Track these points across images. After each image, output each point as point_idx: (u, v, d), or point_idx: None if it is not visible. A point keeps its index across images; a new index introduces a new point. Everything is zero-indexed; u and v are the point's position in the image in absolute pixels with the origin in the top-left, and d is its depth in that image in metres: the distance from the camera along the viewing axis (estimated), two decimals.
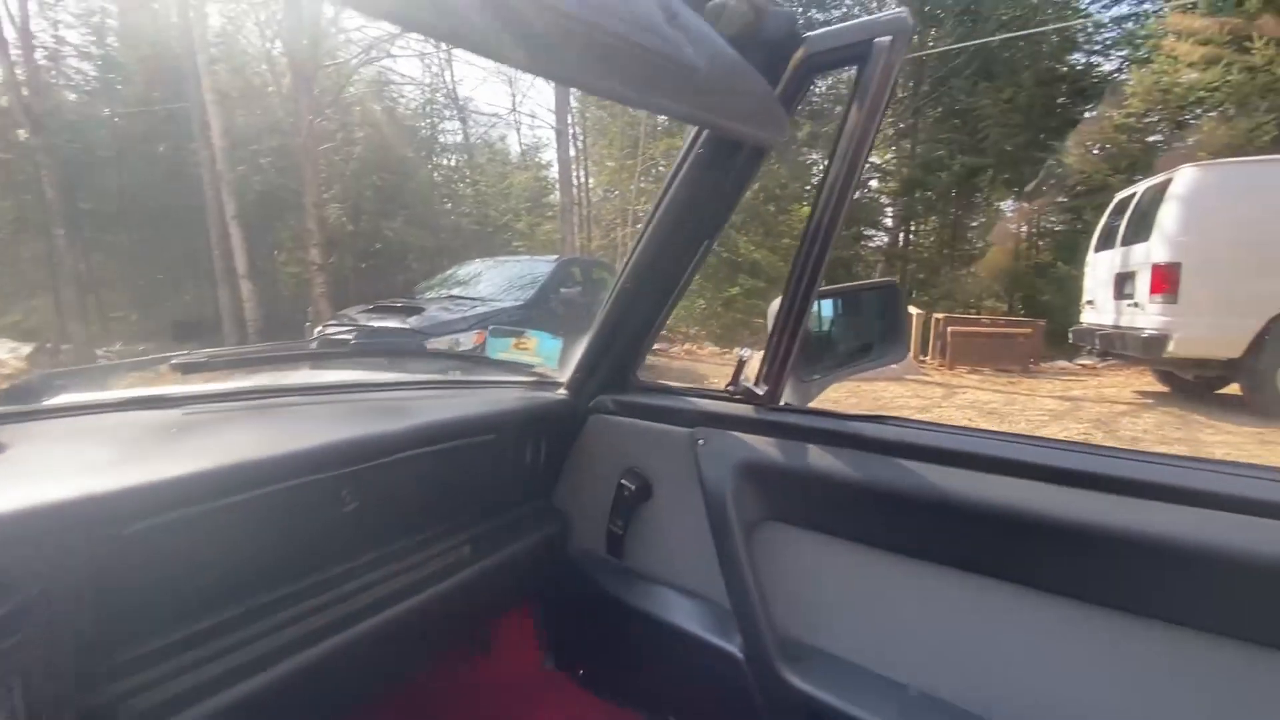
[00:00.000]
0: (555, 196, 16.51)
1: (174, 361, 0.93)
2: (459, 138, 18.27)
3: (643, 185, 14.55)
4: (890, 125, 14.90)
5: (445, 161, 17.87)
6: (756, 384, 0.99)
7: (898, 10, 0.73)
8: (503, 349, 1.10)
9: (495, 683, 1.36)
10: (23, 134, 10.84)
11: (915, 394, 7.02)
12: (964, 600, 0.80)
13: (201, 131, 10.18)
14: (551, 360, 1.23)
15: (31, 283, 12.46)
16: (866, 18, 0.76)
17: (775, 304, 0.96)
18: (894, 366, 7.93)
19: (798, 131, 12.71)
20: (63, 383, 0.96)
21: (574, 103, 14.64)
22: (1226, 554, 0.60)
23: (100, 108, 12.91)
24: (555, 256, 8.71)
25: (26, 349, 9.43)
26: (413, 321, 6.02)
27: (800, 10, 15.33)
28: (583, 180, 16.52)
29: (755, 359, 1.01)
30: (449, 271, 8.35)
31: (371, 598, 0.91)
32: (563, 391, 1.22)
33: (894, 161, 15.16)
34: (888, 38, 0.74)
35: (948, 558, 0.81)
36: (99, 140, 12.15)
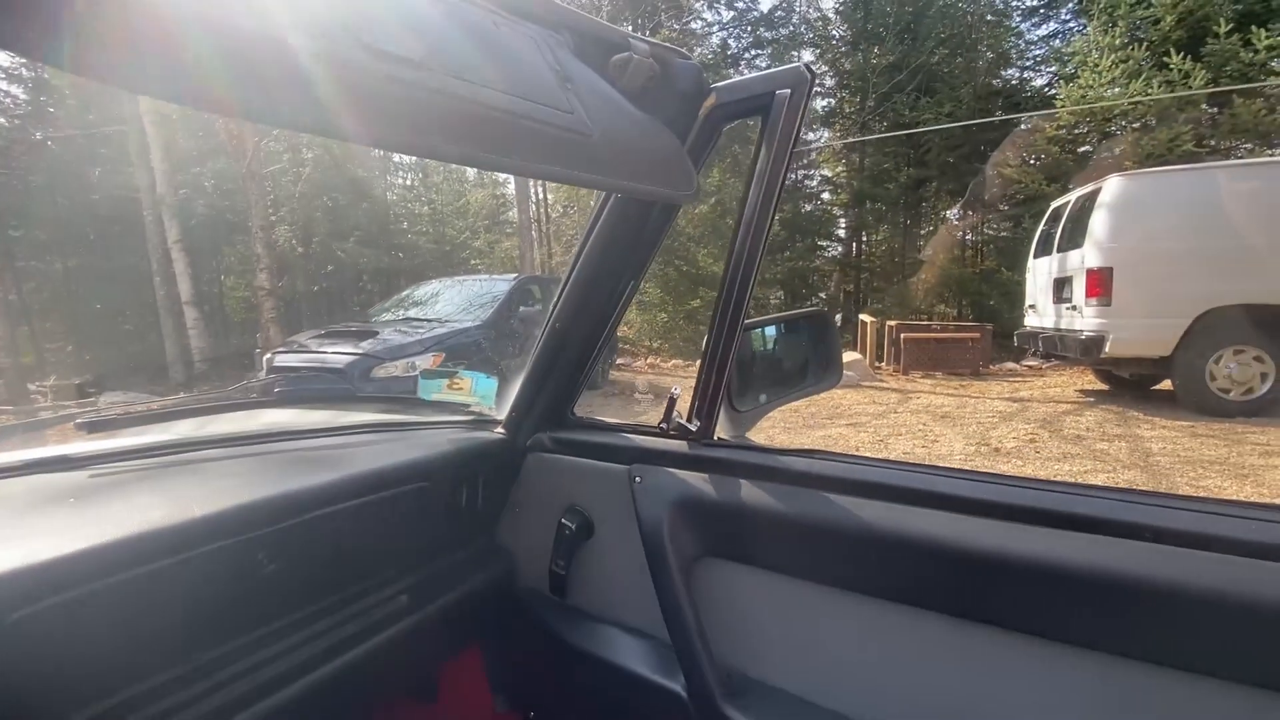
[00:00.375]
0: (514, 213, 16.45)
1: (78, 421, 0.89)
2: (413, 156, 18.04)
3: None
4: (839, 139, 15.36)
5: (400, 180, 17.62)
6: (689, 420, 0.99)
7: (796, 65, 0.76)
8: (436, 390, 1.05)
9: None
10: None
11: (872, 400, 7.18)
12: (898, 631, 0.81)
13: (140, 154, 9.81)
14: (488, 400, 1.21)
15: None
16: (770, 70, 0.78)
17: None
18: (851, 374, 8.10)
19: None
20: None
21: None
22: (1151, 584, 0.63)
23: (32, 132, 12.35)
24: (514, 275, 8.65)
25: None
26: (366, 346, 5.87)
27: (749, 30, 15.73)
28: (540, 197, 16.49)
29: (688, 394, 1.02)
30: (405, 292, 8.21)
31: (301, 658, 0.88)
32: (500, 430, 1.20)
33: (844, 174, 15.61)
34: (787, 90, 0.77)
35: (880, 590, 0.83)
36: (31, 165, 11.60)
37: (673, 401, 1.02)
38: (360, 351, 5.75)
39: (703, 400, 0.98)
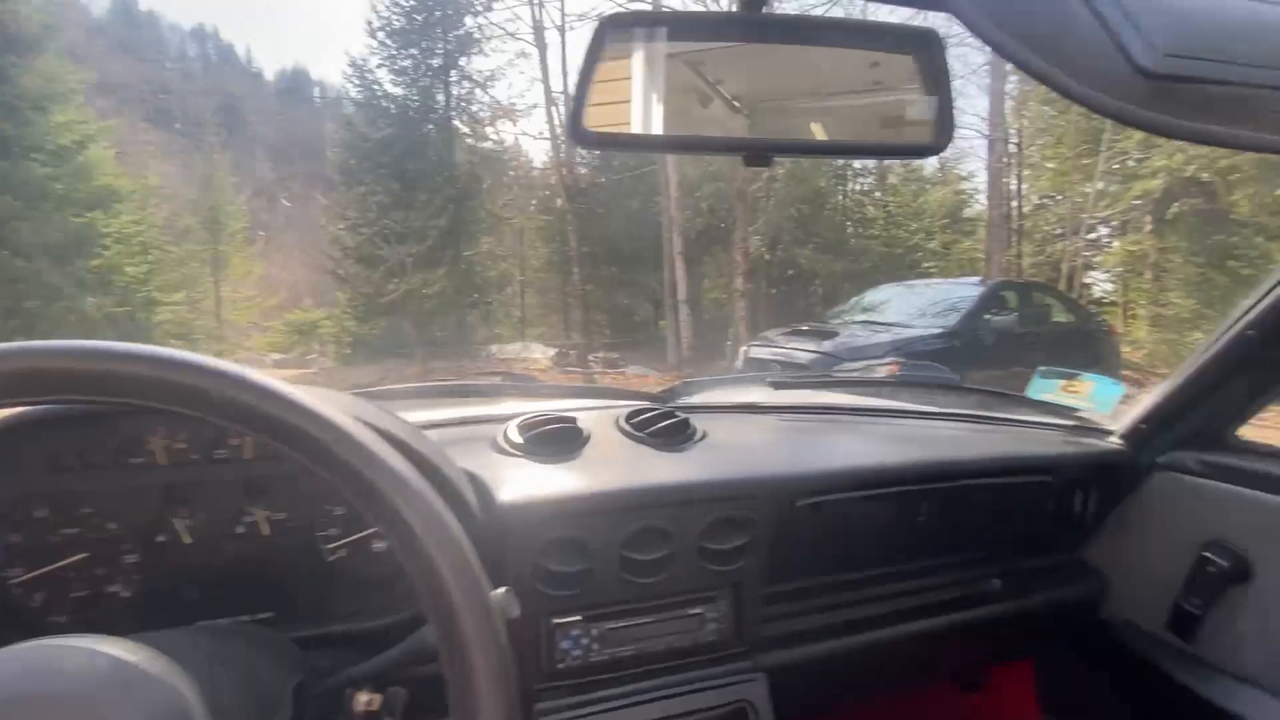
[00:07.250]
0: (976, 209, 14.88)
1: (770, 380, 1.23)
2: (871, 160, 18.05)
3: (1102, 187, 11.81)
4: None
5: (856, 186, 17.92)
6: None
7: None
8: (1048, 390, 1.06)
9: None
10: (560, 202, 15.58)
11: None
12: None
13: (664, 187, 12.68)
14: (1105, 406, 1.15)
15: (552, 306, 17.99)
16: None
17: None
18: None
19: None
20: (686, 391, 1.33)
21: (1010, 100, 12.94)
22: None
23: (599, 177, 17.36)
24: (978, 279, 7.83)
25: (551, 350, 13.57)
26: (828, 346, 6.23)
27: None
28: (1015, 189, 14.38)
29: None
30: (857, 297, 8.38)
31: (915, 603, 1.02)
32: (1116, 440, 1.12)
33: None
34: None
35: None
36: (597, 201, 16.38)
37: None
38: (823, 350, 6.15)
39: None
